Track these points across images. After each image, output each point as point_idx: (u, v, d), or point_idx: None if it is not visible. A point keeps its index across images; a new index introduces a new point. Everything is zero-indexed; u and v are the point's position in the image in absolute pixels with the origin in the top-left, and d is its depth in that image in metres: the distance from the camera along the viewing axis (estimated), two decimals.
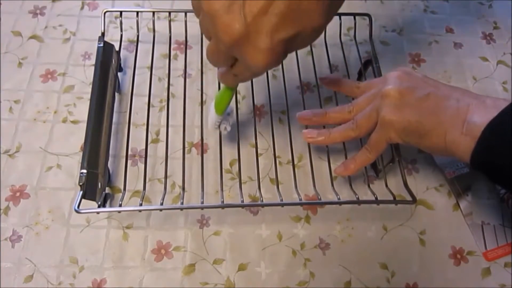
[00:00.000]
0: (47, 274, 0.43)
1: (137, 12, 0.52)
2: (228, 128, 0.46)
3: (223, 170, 0.45)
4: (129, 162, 0.47)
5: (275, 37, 0.31)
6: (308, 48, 0.54)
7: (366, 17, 0.53)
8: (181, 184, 0.45)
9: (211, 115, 0.45)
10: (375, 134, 0.42)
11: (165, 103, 0.51)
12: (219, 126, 0.46)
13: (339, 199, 0.44)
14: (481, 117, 0.35)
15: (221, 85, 0.42)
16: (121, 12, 0.52)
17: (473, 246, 0.47)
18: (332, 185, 0.46)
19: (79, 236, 0.45)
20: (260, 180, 0.45)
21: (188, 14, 0.52)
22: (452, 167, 0.50)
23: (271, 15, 0.30)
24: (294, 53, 0.54)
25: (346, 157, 0.48)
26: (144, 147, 0.47)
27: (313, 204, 0.47)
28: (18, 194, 0.46)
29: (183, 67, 0.51)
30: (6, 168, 0.48)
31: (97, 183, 0.43)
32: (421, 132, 0.39)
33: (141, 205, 0.42)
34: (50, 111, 0.51)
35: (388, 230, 0.47)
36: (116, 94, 0.52)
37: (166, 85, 0.51)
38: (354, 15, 0.53)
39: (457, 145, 0.36)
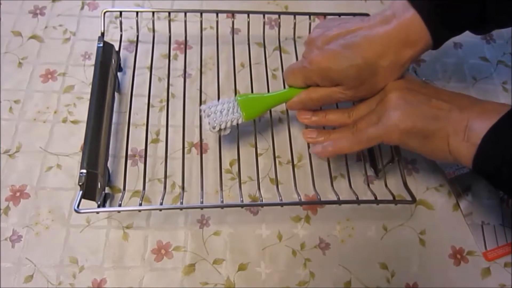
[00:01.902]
0: (47, 274, 0.43)
1: (137, 12, 0.52)
2: (228, 131, 0.46)
3: (222, 170, 0.45)
4: (129, 162, 0.47)
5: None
6: None
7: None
8: (181, 184, 0.45)
9: (216, 116, 0.44)
10: (374, 130, 0.41)
11: (165, 103, 0.51)
12: (219, 129, 0.45)
13: (338, 199, 0.44)
14: (481, 124, 0.35)
15: (266, 91, 0.44)
16: (121, 12, 0.52)
17: (473, 246, 0.47)
18: (332, 185, 0.46)
19: (79, 236, 0.45)
20: (260, 180, 0.45)
21: (188, 14, 0.52)
22: (452, 167, 0.50)
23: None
24: (294, 53, 0.54)
25: (345, 158, 0.48)
26: (144, 147, 0.47)
27: (312, 204, 0.47)
28: (18, 194, 0.46)
29: (183, 67, 0.51)
30: (6, 168, 0.48)
31: (96, 183, 0.43)
32: (425, 135, 0.38)
33: (140, 205, 0.42)
34: (50, 111, 0.51)
35: (388, 230, 0.47)
36: (116, 94, 0.52)
37: (166, 85, 0.51)
38: (354, 15, 0.53)
39: (459, 151, 0.36)
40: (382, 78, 0.41)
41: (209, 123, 0.44)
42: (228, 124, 0.44)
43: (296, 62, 0.45)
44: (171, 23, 0.53)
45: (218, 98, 0.49)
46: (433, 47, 0.41)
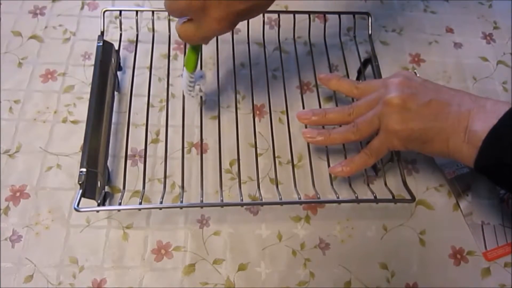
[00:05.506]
0: (47, 274, 0.43)
1: (137, 11, 0.52)
2: (203, 89, 0.47)
3: (222, 170, 0.45)
4: (129, 162, 0.47)
5: (230, 9, 0.35)
6: (308, 47, 0.54)
7: (366, 17, 0.53)
8: (180, 184, 0.45)
9: (184, 78, 0.46)
10: (377, 141, 0.42)
11: (164, 103, 0.51)
12: (193, 89, 0.46)
13: (338, 198, 0.44)
14: (482, 124, 0.35)
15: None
16: (120, 11, 0.52)
17: (473, 246, 0.47)
18: (332, 184, 0.46)
19: (79, 236, 0.45)
20: (260, 180, 0.45)
21: None
22: (452, 167, 0.50)
23: None
24: (293, 53, 0.54)
25: (345, 158, 0.48)
26: (143, 147, 0.46)
27: (312, 203, 0.47)
28: (18, 194, 0.46)
29: (183, 67, 0.51)
30: (6, 168, 0.48)
31: (96, 182, 0.43)
32: (424, 139, 0.39)
33: (140, 204, 0.42)
34: (50, 111, 0.51)
35: (388, 230, 0.47)
36: (116, 93, 0.52)
37: (165, 85, 0.51)
38: (354, 13, 0.53)
39: (460, 152, 0.37)
40: None
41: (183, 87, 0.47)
42: (187, 82, 0.46)
43: None
44: (171, 22, 0.53)
45: (218, 98, 0.49)
46: None
